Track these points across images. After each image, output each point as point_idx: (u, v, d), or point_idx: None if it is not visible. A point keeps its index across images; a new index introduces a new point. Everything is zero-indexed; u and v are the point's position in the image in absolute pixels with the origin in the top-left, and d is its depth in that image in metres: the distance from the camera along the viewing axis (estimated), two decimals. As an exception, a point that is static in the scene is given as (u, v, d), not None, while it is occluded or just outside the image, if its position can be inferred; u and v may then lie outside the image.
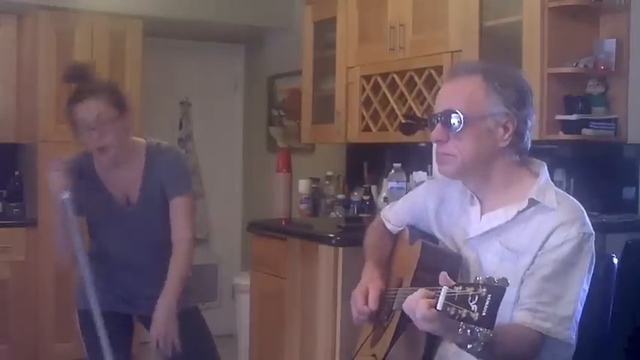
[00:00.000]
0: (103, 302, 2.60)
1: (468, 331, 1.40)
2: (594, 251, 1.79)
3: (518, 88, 1.82)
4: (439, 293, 1.45)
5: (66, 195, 2.45)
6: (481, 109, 1.78)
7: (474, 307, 1.38)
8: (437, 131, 1.82)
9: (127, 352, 2.74)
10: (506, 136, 1.80)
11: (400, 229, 2.14)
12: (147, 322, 2.69)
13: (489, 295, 1.38)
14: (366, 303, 1.96)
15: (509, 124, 1.79)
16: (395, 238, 2.16)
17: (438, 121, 1.82)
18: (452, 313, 1.41)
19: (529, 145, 1.86)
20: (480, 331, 1.40)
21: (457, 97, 1.80)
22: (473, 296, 1.39)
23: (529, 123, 1.84)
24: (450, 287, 1.44)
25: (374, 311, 1.96)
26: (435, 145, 1.88)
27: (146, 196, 2.63)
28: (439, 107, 1.84)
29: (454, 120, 1.78)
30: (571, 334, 1.73)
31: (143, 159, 2.64)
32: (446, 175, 1.89)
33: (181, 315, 2.63)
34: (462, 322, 1.40)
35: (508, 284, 1.40)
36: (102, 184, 2.62)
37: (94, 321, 2.54)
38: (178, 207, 2.63)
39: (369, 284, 1.99)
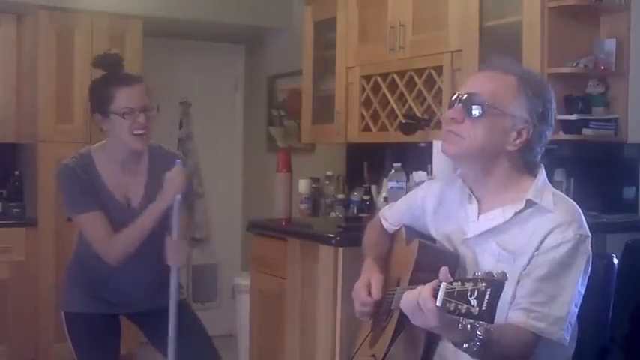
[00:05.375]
0: (88, 304, 2.64)
1: (468, 325, 1.40)
2: (591, 252, 1.79)
3: (545, 103, 1.82)
4: (438, 289, 1.45)
5: (179, 196, 2.55)
6: (505, 106, 1.79)
7: (473, 301, 1.38)
8: (455, 110, 1.82)
9: (116, 353, 2.73)
10: (517, 142, 1.80)
11: (397, 228, 2.14)
12: (137, 319, 2.75)
13: (489, 289, 1.38)
14: (370, 294, 1.96)
15: (524, 131, 1.80)
16: (392, 236, 2.16)
17: (459, 101, 1.82)
18: (451, 308, 1.41)
19: (537, 159, 1.86)
20: (480, 325, 1.40)
21: (488, 85, 1.81)
22: (472, 291, 1.39)
23: (543, 139, 1.84)
24: (448, 283, 1.44)
25: (378, 301, 1.96)
26: (445, 123, 1.86)
27: (148, 199, 2.61)
28: (465, 89, 1.84)
29: (477, 104, 1.78)
30: (564, 335, 1.73)
31: (147, 162, 2.66)
32: (446, 155, 1.88)
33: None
34: (461, 318, 1.41)
35: (507, 278, 1.41)
36: (104, 185, 2.60)
37: (83, 324, 2.63)
38: None
39: (371, 276, 1.99)
